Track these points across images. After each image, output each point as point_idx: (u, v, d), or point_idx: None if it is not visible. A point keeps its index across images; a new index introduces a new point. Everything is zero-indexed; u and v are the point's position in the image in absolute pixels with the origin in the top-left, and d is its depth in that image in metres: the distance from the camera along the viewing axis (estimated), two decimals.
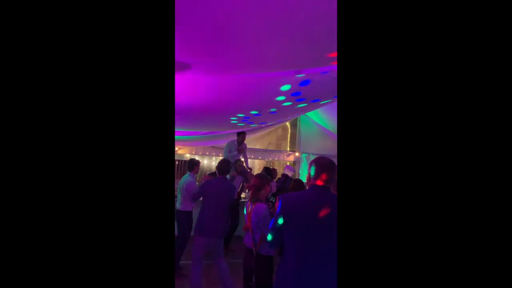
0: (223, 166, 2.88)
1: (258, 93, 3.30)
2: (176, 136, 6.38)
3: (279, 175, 6.05)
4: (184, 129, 5.58)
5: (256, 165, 9.42)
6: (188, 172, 3.60)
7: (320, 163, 1.42)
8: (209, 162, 9.04)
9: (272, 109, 4.13)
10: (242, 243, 2.22)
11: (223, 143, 8.13)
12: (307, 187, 1.46)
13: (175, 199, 3.72)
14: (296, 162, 8.71)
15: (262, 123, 5.64)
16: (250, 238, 2.06)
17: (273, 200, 2.86)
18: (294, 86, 3.12)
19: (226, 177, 2.91)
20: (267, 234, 1.44)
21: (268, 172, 4.90)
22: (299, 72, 2.75)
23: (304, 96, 3.61)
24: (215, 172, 5.28)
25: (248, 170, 5.11)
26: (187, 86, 2.80)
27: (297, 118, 8.66)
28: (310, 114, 8.55)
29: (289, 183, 3.01)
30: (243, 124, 5.31)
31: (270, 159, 8.88)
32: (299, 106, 4.28)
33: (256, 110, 4.15)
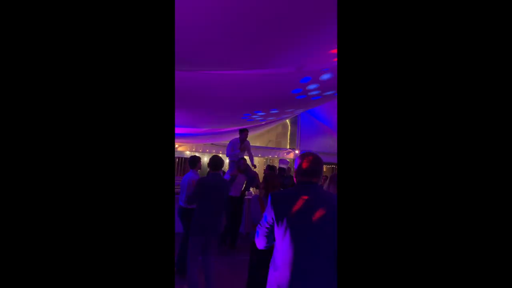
0: (215, 162, 2.82)
1: (276, 87, 3.26)
2: (177, 134, 6.38)
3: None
4: (187, 126, 5.57)
5: (256, 162, 9.42)
6: (191, 170, 3.60)
7: (306, 160, 1.40)
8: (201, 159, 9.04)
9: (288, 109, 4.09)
10: (249, 240, 2.18)
11: (223, 141, 8.13)
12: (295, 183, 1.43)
13: (177, 196, 3.73)
14: (288, 162, 8.71)
15: (270, 118, 5.61)
16: None
17: None
18: (315, 79, 3.09)
19: (219, 173, 2.84)
20: (258, 234, 1.39)
21: (272, 169, 4.91)
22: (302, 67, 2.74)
23: (320, 89, 3.57)
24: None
25: (253, 168, 5.08)
26: (202, 81, 2.79)
27: (297, 116, 8.65)
28: (310, 111, 8.54)
29: (288, 180, 3.01)
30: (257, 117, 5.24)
31: (270, 156, 8.89)
32: (313, 98, 4.21)
33: (275, 108, 4.12)
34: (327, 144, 8.79)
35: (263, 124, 6.55)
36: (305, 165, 1.38)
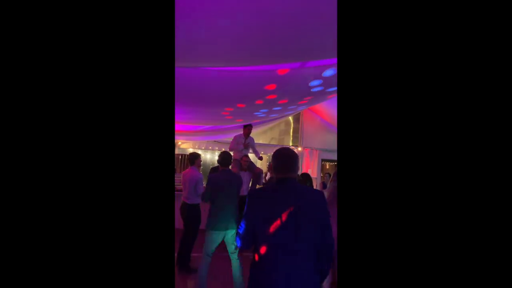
0: (224, 157, 2.86)
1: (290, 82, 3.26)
2: (179, 131, 6.40)
3: None
4: (190, 123, 5.58)
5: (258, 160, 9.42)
6: (190, 166, 3.64)
7: (281, 155, 1.38)
8: (212, 157, 9.07)
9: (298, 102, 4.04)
10: None
11: (226, 138, 8.15)
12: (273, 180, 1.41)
13: (178, 192, 3.75)
14: (298, 157, 8.71)
15: (273, 115, 5.59)
16: None
17: None
18: (318, 76, 3.08)
19: (229, 169, 2.89)
20: (239, 236, 1.37)
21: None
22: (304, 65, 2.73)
23: (323, 85, 3.55)
24: (217, 166, 5.30)
25: (259, 160, 5.07)
26: (204, 78, 2.79)
27: (299, 113, 8.64)
28: (313, 108, 8.52)
29: None
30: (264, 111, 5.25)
31: (272, 153, 8.88)
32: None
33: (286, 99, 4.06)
34: (329, 141, 8.77)
35: (266, 121, 6.54)
36: (280, 161, 1.36)
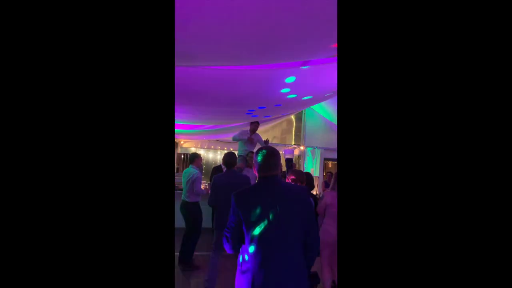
0: (229, 158, 2.85)
1: (264, 85, 3.29)
2: (180, 130, 6.41)
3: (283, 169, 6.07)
4: (191, 122, 5.59)
5: None
6: (190, 165, 3.71)
7: (263, 154, 1.39)
8: (214, 156, 9.08)
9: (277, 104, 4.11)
10: None
11: (228, 137, 8.16)
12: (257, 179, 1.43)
13: (178, 191, 3.80)
14: (300, 156, 8.70)
15: (266, 116, 5.61)
16: None
17: None
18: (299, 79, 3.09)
19: (234, 170, 2.88)
20: (226, 239, 1.37)
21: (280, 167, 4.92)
22: (305, 64, 2.73)
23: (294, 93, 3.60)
24: (219, 166, 5.30)
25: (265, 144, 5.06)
26: (194, 78, 2.80)
27: (302, 112, 8.61)
28: (315, 107, 8.49)
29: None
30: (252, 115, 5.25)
31: None
32: (304, 98, 4.24)
33: (263, 105, 4.13)
34: (332, 140, 8.74)
35: (267, 120, 6.54)
36: (262, 160, 1.37)
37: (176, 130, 6.07)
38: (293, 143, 8.90)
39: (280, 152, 8.69)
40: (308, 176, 2.61)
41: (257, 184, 1.40)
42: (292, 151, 5.93)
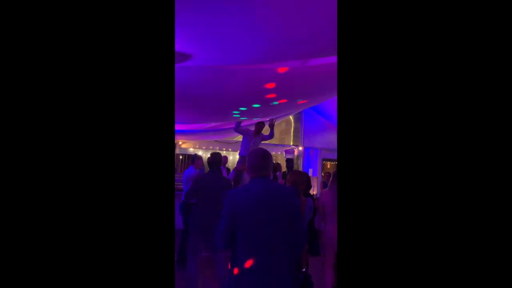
0: (213, 159, 2.78)
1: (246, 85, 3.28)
2: (179, 130, 6.41)
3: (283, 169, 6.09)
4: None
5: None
6: (191, 166, 3.75)
7: (255, 155, 1.46)
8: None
9: (275, 102, 4.08)
10: None
11: (227, 137, 8.15)
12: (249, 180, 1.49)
13: (179, 192, 3.81)
14: (299, 156, 8.71)
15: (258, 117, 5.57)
16: None
17: None
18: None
19: (217, 171, 2.82)
20: (218, 235, 1.41)
21: (279, 167, 4.88)
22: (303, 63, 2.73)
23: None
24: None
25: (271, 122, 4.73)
26: (186, 77, 2.80)
27: (300, 112, 8.63)
28: (314, 108, 8.51)
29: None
30: (245, 118, 5.24)
31: (274, 153, 8.89)
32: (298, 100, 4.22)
33: (257, 103, 4.08)
34: (330, 141, 8.77)
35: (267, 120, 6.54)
36: (255, 161, 1.44)
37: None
38: (291, 143, 8.92)
39: (280, 153, 8.71)
40: (303, 176, 2.62)
41: (248, 185, 1.46)
42: (293, 151, 5.93)
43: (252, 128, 4.52)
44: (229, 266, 1.36)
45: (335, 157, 8.99)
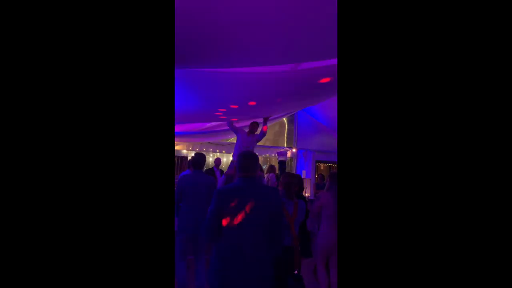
0: (196, 159, 2.74)
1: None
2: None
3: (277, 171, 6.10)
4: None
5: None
6: (188, 170, 3.70)
7: (244, 156, 1.58)
8: (206, 158, 9.03)
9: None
10: None
11: (221, 139, 8.13)
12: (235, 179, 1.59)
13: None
14: (293, 158, 8.74)
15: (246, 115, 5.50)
16: (290, 236, 2.06)
17: None
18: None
19: (202, 171, 2.80)
20: (205, 228, 1.50)
21: (272, 169, 4.87)
22: (298, 66, 2.75)
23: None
24: (211, 168, 5.27)
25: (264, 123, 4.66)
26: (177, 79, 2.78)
27: (294, 114, 8.67)
28: (307, 110, 8.56)
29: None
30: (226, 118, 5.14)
31: (268, 155, 8.90)
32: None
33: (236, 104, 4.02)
34: (324, 143, 8.82)
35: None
36: (242, 162, 1.56)
37: None
38: (285, 145, 8.94)
39: (273, 155, 8.72)
40: (296, 178, 2.63)
41: (236, 183, 1.55)
42: (286, 153, 5.92)
43: (246, 130, 4.50)
44: (211, 259, 1.46)
45: (328, 159, 9.05)
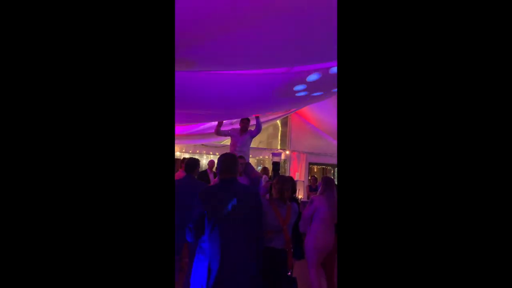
0: (188, 163, 2.68)
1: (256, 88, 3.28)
2: None
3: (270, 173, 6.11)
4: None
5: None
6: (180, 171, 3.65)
7: (224, 159, 1.65)
8: (200, 161, 8.99)
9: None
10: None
11: (214, 141, 8.11)
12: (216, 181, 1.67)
13: None
14: (286, 160, 8.78)
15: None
16: (283, 239, 2.08)
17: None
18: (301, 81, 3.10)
19: (193, 175, 2.74)
20: (189, 229, 1.55)
21: (265, 171, 4.86)
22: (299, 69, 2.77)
23: (307, 90, 3.57)
24: (204, 171, 5.24)
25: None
26: (189, 82, 2.77)
27: (287, 117, 8.72)
28: (301, 112, 8.62)
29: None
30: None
31: (261, 156, 8.92)
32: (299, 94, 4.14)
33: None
34: (316, 145, 8.89)
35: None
36: (224, 164, 1.63)
37: None
38: (278, 147, 8.98)
39: (267, 157, 8.74)
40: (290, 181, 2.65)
41: (218, 184, 1.63)
42: (280, 154, 5.92)
43: (237, 127, 4.11)
44: (196, 257, 1.53)
45: (321, 161, 9.12)
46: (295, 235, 2.43)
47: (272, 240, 2.13)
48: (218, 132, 4.12)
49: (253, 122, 4.47)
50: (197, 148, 8.14)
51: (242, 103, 3.81)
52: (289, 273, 2.18)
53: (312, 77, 3.02)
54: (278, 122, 8.89)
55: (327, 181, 2.70)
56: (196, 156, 8.93)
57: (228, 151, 3.73)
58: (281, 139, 9.08)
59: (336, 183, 2.81)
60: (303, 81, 3.14)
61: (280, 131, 9.12)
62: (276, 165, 4.80)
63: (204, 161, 8.66)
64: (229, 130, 4.09)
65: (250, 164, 3.67)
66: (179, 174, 3.54)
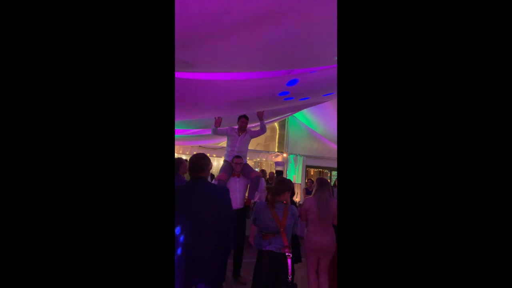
0: (194, 163, 2.71)
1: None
2: None
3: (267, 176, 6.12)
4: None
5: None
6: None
7: (194, 158, 1.74)
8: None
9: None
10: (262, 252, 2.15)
11: (212, 143, 8.10)
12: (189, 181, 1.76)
13: None
14: (284, 163, 8.78)
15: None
16: (281, 242, 2.10)
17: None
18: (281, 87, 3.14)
19: (179, 174, 2.75)
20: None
21: (264, 173, 4.89)
22: (290, 72, 2.78)
23: (292, 95, 3.63)
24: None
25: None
26: (186, 85, 2.78)
27: (285, 120, 8.74)
28: (298, 115, 8.65)
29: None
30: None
31: (259, 159, 8.92)
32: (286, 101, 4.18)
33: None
34: (314, 148, 8.92)
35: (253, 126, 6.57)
36: (192, 163, 1.72)
37: None
38: (276, 150, 8.99)
39: (264, 159, 8.74)
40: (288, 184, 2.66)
41: (188, 183, 1.73)
42: (283, 164, 6.06)
43: (235, 126, 3.70)
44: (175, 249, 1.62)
45: (319, 164, 9.14)
46: (292, 238, 2.43)
47: (270, 243, 2.12)
48: (215, 131, 3.75)
49: (257, 123, 4.14)
50: (194, 149, 8.11)
51: (234, 108, 3.82)
52: (290, 278, 2.17)
53: (291, 82, 3.06)
54: (276, 124, 8.90)
55: (320, 182, 2.70)
56: None
57: (226, 152, 3.63)
58: (278, 142, 9.09)
59: (332, 185, 2.82)
60: (283, 87, 3.16)
61: (277, 134, 9.14)
62: (279, 173, 4.86)
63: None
64: (227, 129, 3.72)
65: (248, 164, 3.49)
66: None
